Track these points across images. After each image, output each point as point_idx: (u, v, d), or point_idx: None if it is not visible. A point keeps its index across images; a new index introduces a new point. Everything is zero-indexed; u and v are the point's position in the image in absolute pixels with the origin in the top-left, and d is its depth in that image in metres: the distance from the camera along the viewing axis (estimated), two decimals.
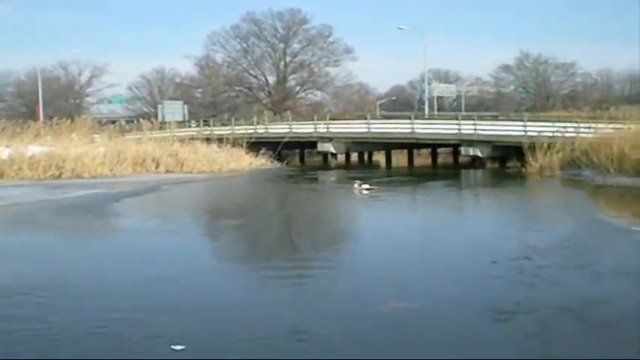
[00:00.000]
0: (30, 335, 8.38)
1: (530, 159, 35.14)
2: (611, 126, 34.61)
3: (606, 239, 15.63)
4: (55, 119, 48.83)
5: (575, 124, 37.10)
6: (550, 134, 36.01)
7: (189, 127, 59.01)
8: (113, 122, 67.55)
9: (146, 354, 7.78)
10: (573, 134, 35.44)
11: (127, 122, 69.59)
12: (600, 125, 35.55)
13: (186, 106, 72.17)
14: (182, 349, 7.77)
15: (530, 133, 37.85)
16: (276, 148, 47.24)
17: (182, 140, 43.57)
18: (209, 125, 56.84)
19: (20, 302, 9.96)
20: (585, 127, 36.22)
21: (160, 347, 7.90)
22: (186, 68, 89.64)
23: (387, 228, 18.19)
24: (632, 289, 10.53)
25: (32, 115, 65.68)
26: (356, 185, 26.98)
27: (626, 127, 32.85)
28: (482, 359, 7.55)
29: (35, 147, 36.31)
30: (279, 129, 52.94)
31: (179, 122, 60.52)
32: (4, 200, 24.29)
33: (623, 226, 18.00)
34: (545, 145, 34.90)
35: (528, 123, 40.48)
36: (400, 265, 12.64)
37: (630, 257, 13.46)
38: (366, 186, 26.64)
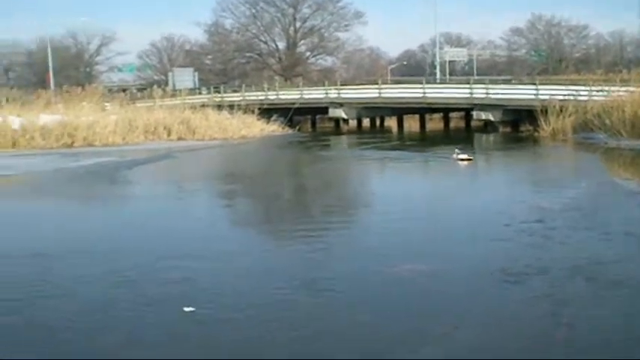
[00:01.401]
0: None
1: (543, 123, 34.98)
2: (623, 89, 34.36)
3: (618, 201, 15.61)
4: (65, 87, 48.84)
5: (588, 88, 36.86)
6: (562, 97, 35.78)
7: (200, 94, 58.91)
8: (124, 90, 67.34)
9: (162, 313, 7.88)
10: (586, 97, 35.22)
11: (138, 90, 69.52)
12: (613, 88, 35.29)
13: (196, 74, 71.96)
14: (192, 311, 7.86)
15: (542, 97, 37.61)
16: (288, 114, 47.14)
17: (193, 107, 43.48)
18: (220, 92, 56.65)
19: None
20: (598, 90, 35.99)
21: (172, 307, 8.00)
22: (196, 35, 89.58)
23: (392, 192, 18.21)
24: None
25: (43, 84, 65.73)
26: (454, 155, 24.84)
27: (638, 89, 32.62)
28: (492, 320, 7.58)
29: (47, 116, 36.37)
30: (290, 95, 52.88)
31: (190, 89, 60.44)
32: (19, 169, 24.44)
33: (634, 188, 17.99)
34: (557, 108, 34.72)
35: (540, 86, 40.27)
36: (415, 229, 12.65)
37: None
38: (465, 156, 24.49)
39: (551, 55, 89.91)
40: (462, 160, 24.22)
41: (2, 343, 7.17)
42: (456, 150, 25.24)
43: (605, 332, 7.14)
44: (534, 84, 41.69)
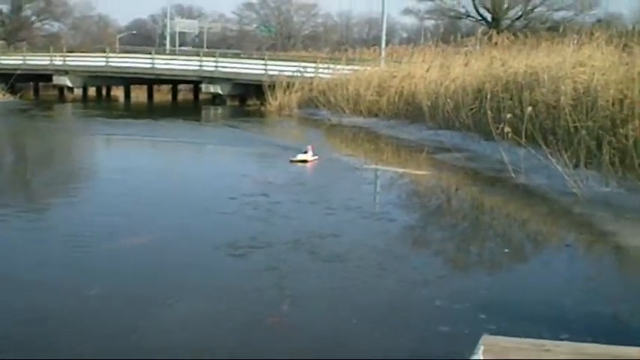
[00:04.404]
0: None
1: (270, 97, 35.58)
2: (348, 67, 35.64)
3: (340, 176, 16.15)
4: None
5: (314, 65, 37.91)
6: (290, 74, 36.56)
7: None
8: None
9: None
10: (312, 74, 36.20)
11: None
12: (338, 66, 36.50)
13: None
14: None
15: (270, 72, 38.31)
16: (9, 80, 44.91)
17: None
18: None
19: None
20: (324, 68, 37.08)
21: None
22: None
23: (120, 165, 17.78)
24: (360, 223, 10.94)
25: None
26: (306, 152, 17.81)
27: (362, 68, 33.92)
28: (212, 294, 7.55)
29: None
30: (12, 60, 50.41)
31: None
32: None
33: (354, 163, 18.71)
34: (284, 84, 35.43)
35: (269, 62, 40.99)
36: (134, 201, 12.41)
37: (360, 193, 14.01)
38: (310, 155, 17.75)
39: (281, 31, 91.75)
40: (304, 160, 17.69)
41: None
42: (309, 146, 18.29)
43: (325, 302, 7.34)
44: (263, 59, 42.34)
